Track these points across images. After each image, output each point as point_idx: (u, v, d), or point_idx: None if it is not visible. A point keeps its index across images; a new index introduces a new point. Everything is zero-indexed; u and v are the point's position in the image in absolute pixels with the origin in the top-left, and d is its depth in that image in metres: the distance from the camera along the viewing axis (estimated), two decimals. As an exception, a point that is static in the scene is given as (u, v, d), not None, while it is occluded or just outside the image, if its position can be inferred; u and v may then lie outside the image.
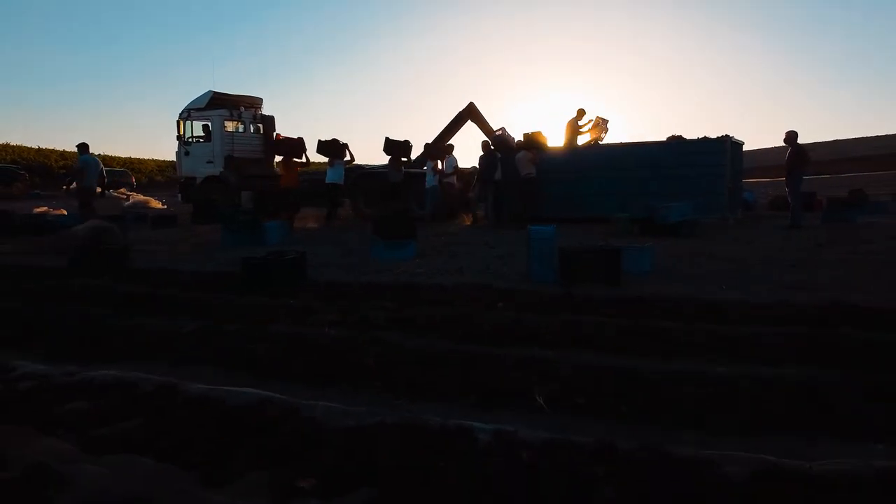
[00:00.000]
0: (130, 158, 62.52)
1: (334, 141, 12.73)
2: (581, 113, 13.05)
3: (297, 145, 12.76)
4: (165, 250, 8.53)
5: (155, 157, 63.61)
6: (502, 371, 2.92)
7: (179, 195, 16.24)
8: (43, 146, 60.62)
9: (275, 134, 12.00)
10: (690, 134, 12.41)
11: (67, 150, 56.51)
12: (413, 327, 3.88)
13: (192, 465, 1.96)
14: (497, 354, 3.19)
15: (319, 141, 12.70)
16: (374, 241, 7.44)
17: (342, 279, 5.72)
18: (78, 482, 1.88)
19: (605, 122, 13.36)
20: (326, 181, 12.44)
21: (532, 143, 12.22)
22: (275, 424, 2.22)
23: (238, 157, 15.12)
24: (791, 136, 10.44)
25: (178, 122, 15.54)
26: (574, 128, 12.94)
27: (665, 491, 1.78)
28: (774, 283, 5.23)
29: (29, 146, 61.14)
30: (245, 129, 15.95)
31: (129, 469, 1.92)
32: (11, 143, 61.11)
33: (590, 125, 13.08)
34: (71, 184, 13.74)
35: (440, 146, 13.55)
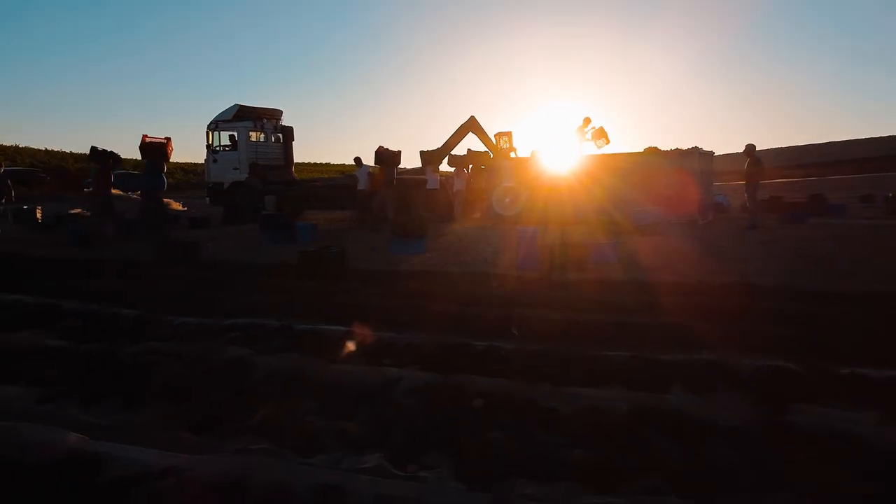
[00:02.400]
0: (136, 160, 63.70)
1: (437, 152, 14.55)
2: (587, 121, 14.56)
3: (396, 157, 14.30)
4: (214, 247, 10.10)
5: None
6: (492, 320, 4.51)
7: (208, 199, 17.89)
8: (52, 148, 62.18)
9: (378, 146, 13.73)
10: (667, 144, 14.02)
11: (76, 151, 58.24)
12: (431, 298, 5.47)
13: (321, 357, 3.55)
14: (489, 313, 4.78)
15: (422, 152, 14.50)
16: (393, 238, 9.03)
17: (372, 268, 7.30)
18: (259, 365, 3.47)
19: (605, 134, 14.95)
20: (428, 187, 14.02)
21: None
22: (360, 341, 3.81)
23: (261, 164, 16.75)
24: (749, 149, 12.02)
25: (207, 133, 17.16)
26: (580, 135, 14.51)
27: (578, 365, 3.37)
28: (706, 269, 6.81)
29: (36, 148, 62.61)
30: (266, 138, 17.59)
31: (286, 359, 3.51)
32: (20, 145, 62.60)
33: (590, 132, 14.66)
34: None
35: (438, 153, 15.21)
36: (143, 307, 5.20)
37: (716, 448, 2.42)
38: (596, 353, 3.54)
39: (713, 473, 2.24)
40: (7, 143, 60.94)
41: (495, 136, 15.23)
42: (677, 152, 13.11)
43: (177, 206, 26.47)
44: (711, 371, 3.26)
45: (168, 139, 13.07)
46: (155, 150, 12.73)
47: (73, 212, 20.87)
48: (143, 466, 2.21)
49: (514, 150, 15.31)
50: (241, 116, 17.00)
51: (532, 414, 2.68)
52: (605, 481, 2.13)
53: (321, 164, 65.68)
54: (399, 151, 14.13)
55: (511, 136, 14.99)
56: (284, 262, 7.49)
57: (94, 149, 13.11)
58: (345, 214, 15.45)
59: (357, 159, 14.50)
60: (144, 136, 12.76)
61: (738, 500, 2.05)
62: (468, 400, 2.85)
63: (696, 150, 13.01)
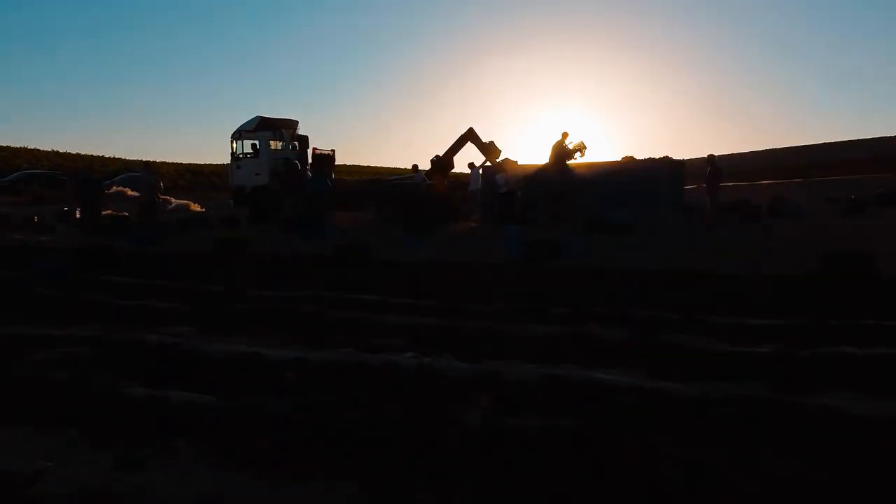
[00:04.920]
0: (143, 161, 65.74)
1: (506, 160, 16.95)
2: (565, 135, 16.36)
3: (449, 164, 16.22)
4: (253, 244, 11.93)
5: (166, 160, 67.10)
6: (484, 291, 6.35)
7: (232, 201, 19.80)
8: (59, 150, 64.31)
9: (435, 154, 15.81)
10: (644, 153, 15.92)
11: (82, 153, 60.64)
12: (438, 280, 7.31)
13: (367, 312, 5.38)
14: (479, 287, 6.62)
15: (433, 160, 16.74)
16: (405, 235, 10.88)
17: (389, 259, 9.14)
18: (329, 316, 5.29)
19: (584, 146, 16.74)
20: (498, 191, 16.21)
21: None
22: (387, 305, 5.65)
23: (281, 170, 18.62)
24: (711, 158, 13.90)
25: (231, 142, 19.07)
26: (560, 148, 16.27)
27: (533, 315, 5.21)
28: (650, 259, 8.65)
29: (44, 149, 64.60)
30: (285, 147, 19.47)
31: (346, 312, 5.35)
32: (28, 147, 64.57)
33: (571, 145, 16.47)
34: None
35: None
36: (224, 285, 7.04)
37: (606, 351, 4.25)
38: (546, 309, 5.38)
39: (599, 360, 4.05)
40: (17, 144, 62.75)
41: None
42: (649, 161, 14.97)
43: (196, 207, 28.32)
44: (618, 317, 5.09)
45: (333, 151, 15.55)
46: (324, 161, 15.14)
47: (104, 213, 22.69)
48: (285, 358, 4.03)
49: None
50: (262, 127, 18.91)
51: (501, 338, 4.52)
52: (537, 360, 3.96)
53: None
54: (450, 159, 16.35)
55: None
56: (318, 255, 9.34)
57: (286, 160, 15.72)
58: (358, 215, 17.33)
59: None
60: (314, 149, 15.23)
61: (608, 366, 3.86)
62: (464, 334, 4.68)
63: (666, 159, 14.86)
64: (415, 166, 17.92)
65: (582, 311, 5.27)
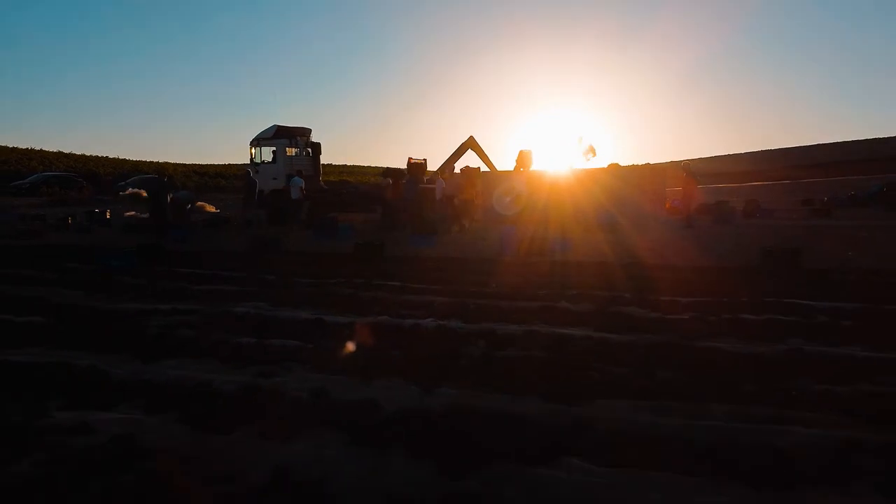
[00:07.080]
0: (144, 161, 67.66)
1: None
2: (580, 140, 17.86)
3: (475, 172, 18.03)
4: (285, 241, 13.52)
5: (169, 160, 68.83)
6: (481, 280, 7.96)
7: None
8: (64, 151, 66.28)
9: (464, 165, 17.70)
10: (631, 160, 17.52)
11: (87, 154, 62.73)
12: (443, 270, 8.91)
13: (393, 292, 6.99)
14: (479, 277, 8.23)
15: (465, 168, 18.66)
16: (411, 234, 12.47)
17: (400, 255, 10.74)
18: (364, 296, 6.91)
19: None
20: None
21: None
22: (407, 288, 7.26)
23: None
24: (685, 166, 15.51)
25: (250, 148, 20.67)
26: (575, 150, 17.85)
27: (523, 294, 6.82)
28: (626, 254, 10.26)
29: (51, 150, 66.32)
30: (299, 153, 21.08)
31: (377, 294, 6.96)
32: (35, 148, 66.34)
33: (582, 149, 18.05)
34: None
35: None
36: (272, 275, 8.64)
37: (571, 317, 5.85)
38: (532, 291, 7.00)
39: (567, 325, 5.65)
40: (23, 145, 64.53)
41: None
42: (633, 167, 16.56)
43: (211, 208, 29.88)
44: (584, 297, 6.70)
45: (425, 160, 17.74)
46: (417, 169, 17.12)
47: (127, 214, 24.30)
48: (340, 322, 5.63)
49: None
50: (279, 135, 20.52)
51: (497, 310, 6.13)
52: (520, 322, 5.56)
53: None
54: (478, 168, 18.17)
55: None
56: (341, 251, 10.95)
57: (388, 169, 17.92)
58: (366, 216, 18.92)
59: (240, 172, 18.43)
60: (410, 159, 17.29)
61: (570, 325, 5.46)
62: (467, 307, 6.28)
63: (648, 166, 16.45)
64: (387, 169, 19.84)
65: (557, 293, 6.88)
